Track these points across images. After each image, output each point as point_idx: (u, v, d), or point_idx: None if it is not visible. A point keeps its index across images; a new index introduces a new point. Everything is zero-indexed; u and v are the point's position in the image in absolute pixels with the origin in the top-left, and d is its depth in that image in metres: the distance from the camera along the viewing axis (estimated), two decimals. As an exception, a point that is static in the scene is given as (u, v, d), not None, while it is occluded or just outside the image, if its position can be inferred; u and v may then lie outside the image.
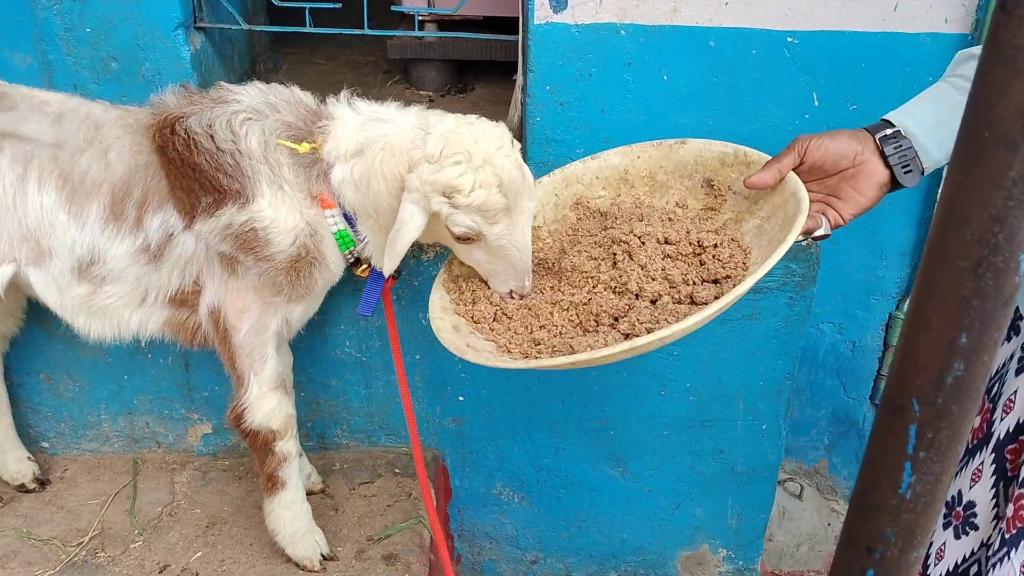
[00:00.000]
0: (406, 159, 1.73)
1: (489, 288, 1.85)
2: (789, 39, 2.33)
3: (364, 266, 1.98)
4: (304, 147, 1.80)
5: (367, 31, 2.74)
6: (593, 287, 1.75)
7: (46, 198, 1.86)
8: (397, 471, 2.55)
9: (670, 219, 1.84)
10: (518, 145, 1.80)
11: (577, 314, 1.72)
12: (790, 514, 3.01)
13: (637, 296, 1.69)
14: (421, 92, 3.32)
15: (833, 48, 2.34)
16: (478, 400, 2.54)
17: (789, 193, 1.67)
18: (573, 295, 1.75)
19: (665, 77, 2.39)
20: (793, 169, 1.70)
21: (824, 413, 2.98)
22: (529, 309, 1.78)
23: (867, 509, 1.03)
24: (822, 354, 2.86)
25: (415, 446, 1.96)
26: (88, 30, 2.55)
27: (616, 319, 1.68)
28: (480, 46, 3.12)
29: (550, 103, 2.42)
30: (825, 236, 1.67)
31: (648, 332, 1.58)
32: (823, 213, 1.67)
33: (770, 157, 1.76)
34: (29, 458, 2.49)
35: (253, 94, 1.86)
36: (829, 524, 3.04)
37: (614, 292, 1.72)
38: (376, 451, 2.62)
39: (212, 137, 1.80)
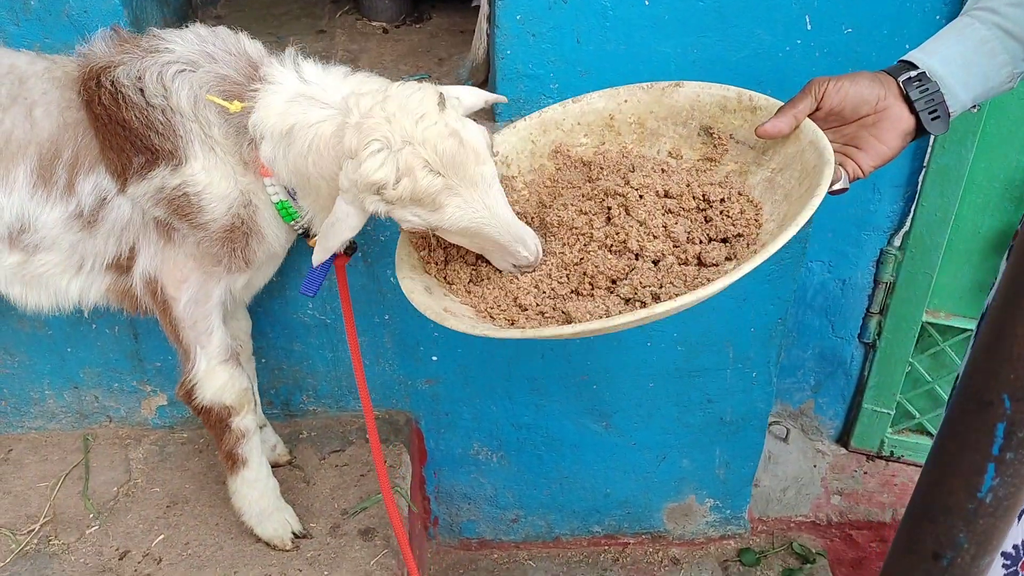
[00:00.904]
0: (335, 156, 1.50)
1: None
2: (780, -42, 2.14)
3: (315, 238, 1.73)
4: (236, 105, 1.56)
5: (313, -43, 2.48)
6: (585, 245, 1.55)
7: None
8: (368, 438, 2.39)
9: (663, 170, 1.66)
10: (454, 102, 1.51)
11: (568, 275, 1.53)
12: (776, 458, 2.93)
13: (637, 256, 1.51)
14: (374, 23, 3.06)
15: (827, -33, 2.16)
16: (452, 360, 2.38)
17: (807, 142, 1.50)
18: (563, 254, 1.56)
19: (647, 2, 2.19)
20: (809, 115, 1.53)
21: (811, 354, 2.88)
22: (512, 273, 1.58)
23: (936, 512, 0.90)
24: (811, 293, 2.74)
25: (368, 420, 1.83)
26: (0, -37, 2.27)
27: (614, 281, 1.50)
28: (438, -29, 2.86)
29: (521, 34, 2.21)
30: (843, 190, 1.51)
31: (653, 297, 1.42)
32: (841, 164, 1.51)
33: (779, 102, 1.58)
34: (-33, 440, 2.29)
35: (190, 41, 1.61)
36: (815, 466, 2.97)
37: (610, 251, 1.53)
38: (345, 416, 2.45)
39: (142, 91, 1.56)
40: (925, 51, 1.51)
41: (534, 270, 1.55)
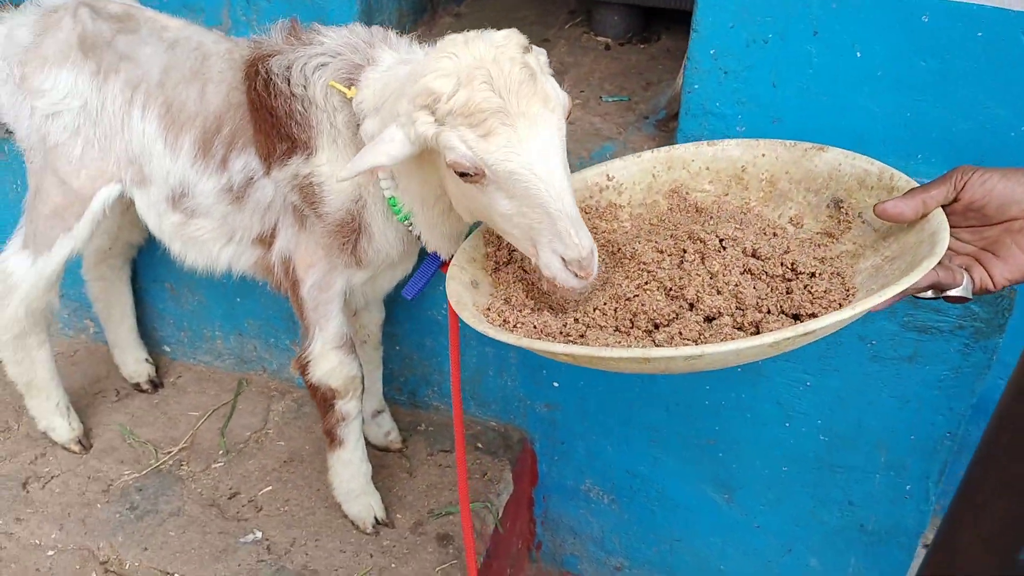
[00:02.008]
0: (402, 96, 1.43)
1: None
2: (1027, 24, 1.83)
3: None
4: (352, 91, 1.58)
5: (539, -32, 2.50)
6: (646, 283, 1.44)
7: (148, 126, 1.84)
8: (479, 446, 2.40)
9: (775, 234, 1.51)
10: (540, 53, 1.40)
11: (615, 309, 1.42)
12: (935, 585, 2.55)
13: (691, 307, 1.38)
14: (599, 38, 3.04)
15: (1087, 38, 1.82)
16: (573, 390, 2.32)
17: (927, 234, 1.30)
18: (619, 286, 1.45)
19: (859, 53, 1.98)
20: (944, 206, 1.31)
21: (1001, 480, 2.47)
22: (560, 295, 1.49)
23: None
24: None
25: (458, 437, 1.83)
26: (258, -55, 2.51)
27: (656, 326, 1.38)
28: (669, -8, 2.77)
29: (712, 69, 2.08)
30: (963, 299, 1.28)
31: None
32: (967, 269, 1.28)
33: (917, 185, 1.38)
34: (147, 360, 2.59)
35: (339, 35, 1.67)
36: (984, 607, 2.55)
37: (666, 294, 1.41)
38: (463, 420, 2.47)
39: (288, 81, 1.65)
40: None
41: (582, 297, 1.44)
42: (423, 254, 1.89)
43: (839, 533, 2.32)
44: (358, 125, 1.60)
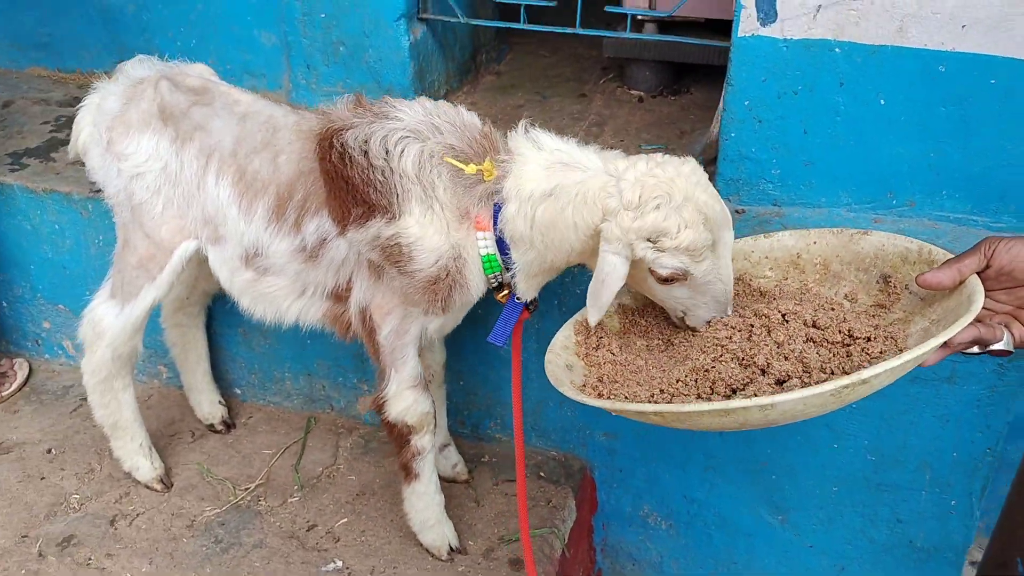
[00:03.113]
0: (600, 208, 1.68)
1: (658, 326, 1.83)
2: (1040, 69, 2.01)
3: (506, 291, 1.94)
4: (471, 168, 1.79)
5: (579, 30, 2.71)
6: (720, 355, 1.63)
7: (222, 191, 2.01)
8: (542, 475, 2.53)
9: (832, 308, 1.70)
10: (710, 185, 1.73)
11: (696, 379, 1.61)
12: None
13: (763, 372, 1.55)
14: (632, 91, 3.24)
15: (1097, 80, 1.99)
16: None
17: (965, 297, 1.50)
18: (697, 359, 1.65)
19: (882, 102, 2.16)
20: (979, 272, 1.50)
21: (1039, 498, 2.58)
22: (654, 366, 1.72)
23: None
24: (1043, 433, 2.48)
25: (519, 467, 2.03)
26: (323, 15, 2.73)
27: (733, 391, 1.55)
28: (697, 49, 2.97)
29: (747, 119, 2.27)
30: (1006, 352, 1.46)
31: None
32: (1007, 326, 1.45)
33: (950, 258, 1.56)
34: (220, 402, 2.74)
35: (416, 112, 1.86)
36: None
37: (739, 363, 1.59)
38: (527, 450, 2.61)
39: (366, 153, 1.82)
40: None
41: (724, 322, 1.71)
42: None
43: (889, 551, 2.43)
44: (480, 197, 1.81)
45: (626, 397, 1.60)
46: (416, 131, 1.83)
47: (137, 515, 2.43)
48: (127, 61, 2.17)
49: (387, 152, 1.82)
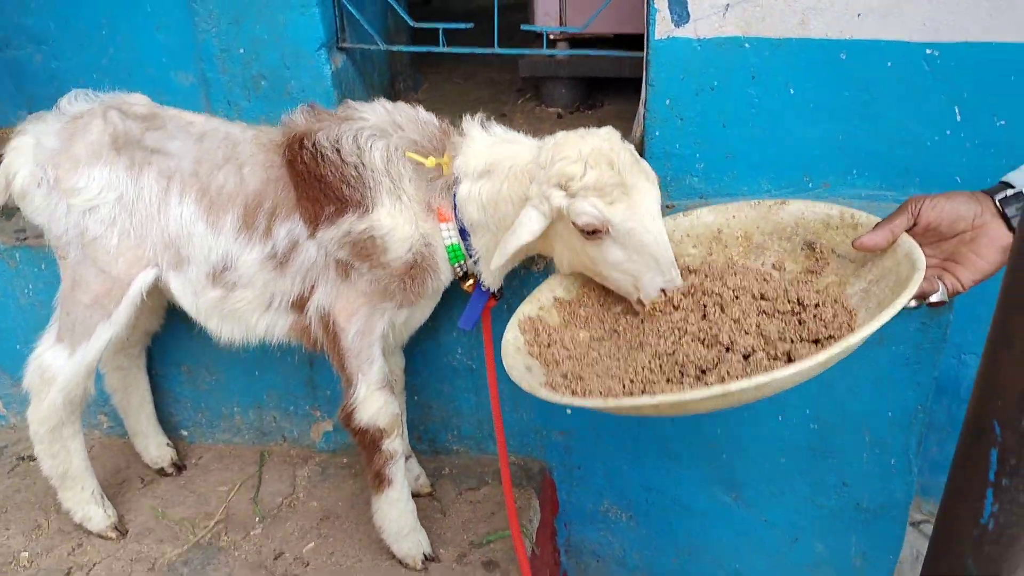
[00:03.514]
0: (528, 178, 1.81)
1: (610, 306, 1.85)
2: (928, 51, 2.21)
3: (471, 281, 2.04)
4: (431, 161, 1.90)
5: (498, 50, 2.81)
6: (679, 338, 1.68)
7: (186, 210, 2.02)
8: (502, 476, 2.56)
9: (765, 280, 1.79)
10: (630, 145, 1.82)
11: (661, 365, 1.66)
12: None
13: (728, 349, 1.62)
14: (551, 109, 3.36)
15: (978, 60, 2.20)
16: (585, 414, 2.52)
17: (902, 255, 1.61)
18: (658, 344, 1.69)
19: (792, 91, 2.32)
20: (907, 231, 1.63)
21: (966, 452, 2.76)
22: (609, 356, 1.75)
23: (948, 540, 0.96)
24: (964, 388, 2.66)
25: (503, 463, 2.05)
26: (241, 50, 2.75)
27: (703, 371, 1.61)
28: (610, 63, 3.13)
29: (670, 117, 2.40)
30: (941, 303, 1.60)
31: None
32: (940, 278, 1.59)
33: (879, 219, 1.70)
34: (168, 444, 2.68)
35: (379, 112, 1.97)
36: (969, 573, 2.80)
37: (702, 343, 1.65)
38: (485, 458, 2.65)
39: (338, 151, 1.91)
40: (1021, 172, 1.57)
41: (673, 304, 1.74)
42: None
43: (838, 515, 2.55)
44: (440, 188, 1.91)
45: (600, 392, 1.62)
46: (381, 129, 1.94)
47: (94, 565, 2.35)
48: (62, 97, 2.14)
49: (359, 148, 1.91)
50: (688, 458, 2.56)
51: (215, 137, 2.06)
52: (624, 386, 1.64)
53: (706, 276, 1.85)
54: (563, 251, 1.87)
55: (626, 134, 2.87)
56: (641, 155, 2.56)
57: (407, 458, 2.49)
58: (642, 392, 1.62)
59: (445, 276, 2.04)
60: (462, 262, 1.98)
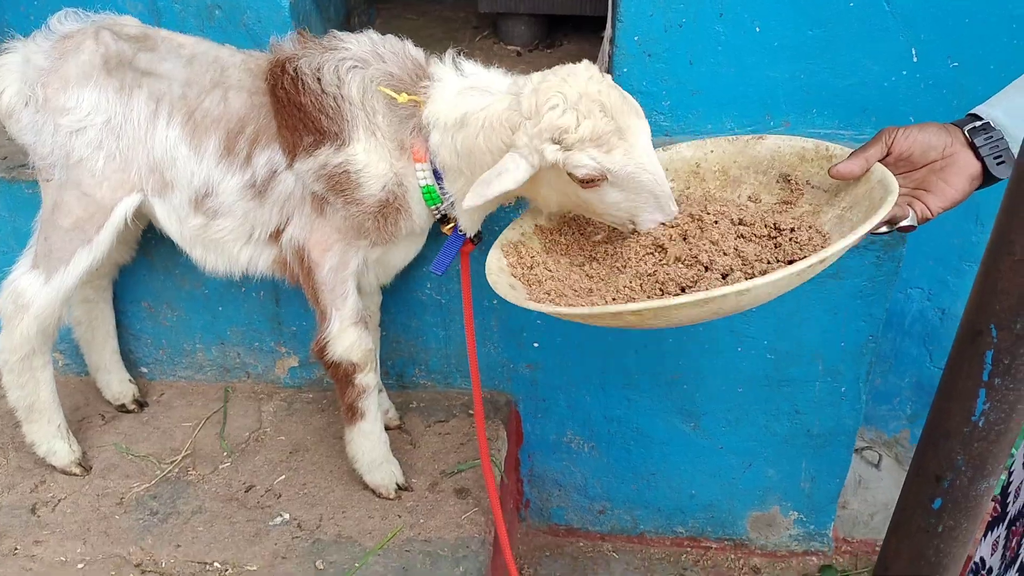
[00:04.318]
0: (507, 128, 1.73)
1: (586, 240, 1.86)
2: (889, -9, 2.27)
3: (451, 224, 2.01)
4: (403, 97, 1.85)
5: (459, -18, 2.77)
6: (660, 259, 1.73)
7: (171, 132, 1.98)
8: (471, 412, 2.61)
9: (742, 209, 1.84)
10: (609, 78, 1.78)
11: (642, 284, 1.71)
12: (866, 483, 2.96)
13: (707, 268, 1.68)
14: (509, 47, 3.34)
15: (935, 2, 2.26)
16: (552, 347, 2.58)
17: (875, 181, 1.67)
18: (639, 265, 1.74)
19: (758, 29, 2.35)
20: (880, 160, 1.69)
21: (908, 382, 2.91)
22: (589, 278, 1.80)
23: (938, 437, 1.03)
24: (909, 320, 2.79)
25: (476, 397, 2.07)
26: (195, -23, 2.66)
27: (683, 289, 1.66)
28: (570, 0, 3.11)
29: (638, 54, 2.41)
30: (911, 228, 1.66)
31: None
32: (910, 205, 1.66)
33: (852, 150, 1.75)
34: (130, 380, 2.65)
35: (363, 43, 1.91)
36: (906, 496, 2.98)
37: (683, 263, 1.71)
38: (452, 392, 2.68)
39: (319, 80, 1.87)
40: (991, 104, 1.66)
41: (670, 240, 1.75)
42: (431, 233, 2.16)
43: (789, 442, 2.68)
44: (414, 127, 1.86)
45: (584, 305, 1.67)
46: (362, 59, 1.88)
47: (59, 500, 2.32)
48: (53, 15, 2.05)
49: (339, 79, 1.86)
50: (649, 388, 2.64)
51: (204, 60, 2.01)
52: (607, 302, 1.69)
53: (684, 205, 1.90)
54: (551, 195, 1.83)
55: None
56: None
57: (379, 391, 2.51)
58: (626, 301, 1.67)
59: (420, 217, 2.00)
60: (439, 204, 1.95)
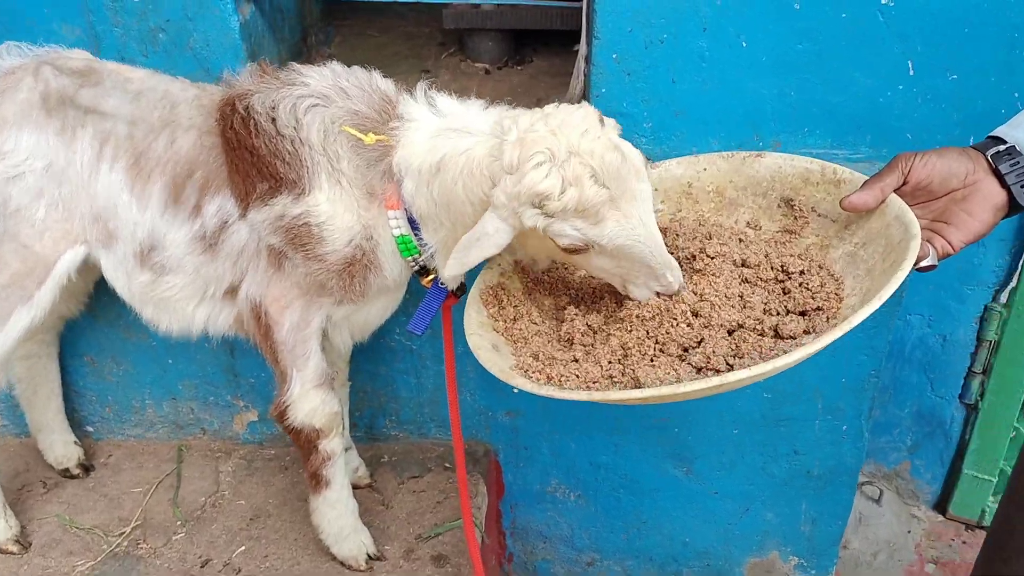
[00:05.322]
0: (488, 176, 1.51)
1: (562, 310, 1.67)
2: (883, 1, 2.11)
3: (431, 276, 1.78)
4: (370, 138, 1.62)
5: (421, -1, 2.59)
6: (660, 320, 1.53)
7: (114, 177, 1.77)
8: (447, 465, 2.42)
9: (740, 240, 1.66)
10: (612, 123, 1.55)
11: (639, 345, 1.51)
12: (867, 520, 2.81)
13: (709, 324, 1.50)
14: (477, 64, 3.15)
15: (931, 12, 2.12)
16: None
17: (892, 217, 1.50)
18: (632, 321, 1.55)
19: (744, 44, 2.20)
20: (895, 190, 1.53)
21: (908, 412, 2.76)
22: (581, 333, 1.60)
23: (1006, 547, 0.86)
24: (908, 348, 2.64)
25: (458, 458, 1.87)
26: (136, 0, 2.45)
27: (686, 349, 1.49)
28: (538, 14, 2.95)
29: (617, 72, 2.24)
30: (931, 267, 1.50)
31: (728, 366, 1.41)
32: (929, 241, 1.50)
33: (864, 176, 1.59)
34: (76, 442, 2.43)
35: (325, 76, 1.68)
36: (909, 531, 2.83)
37: (683, 322, 1.52)
38: (426, 443, 2.49)
39: (273, 120, 1.64)
40: (1012, 125, 1.52)
41: (672, 297, 1.54)
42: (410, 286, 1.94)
43: (788, 483, 2.51)
44: (383, 172, 1.63)
45: (578, 377, 1.47)
46: (324, 96, 1.65)
47: (-8, 585, 2.10)
48: None
49: (296, 120, 1.63)
50: (637, 433, 2.46)
51: (153, 96, 1.78)
52: (602, 367, 1.50)
53: (677, 235, 1.71)
54: (536, 251, 1.63)
55: (561, 91, 2.74)
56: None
57: (345, 451, 2.31)
58: (621, 374, 1.48)
59: (393, 272, 1.77)
60: (416, 255, 1.72)
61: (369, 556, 2.11)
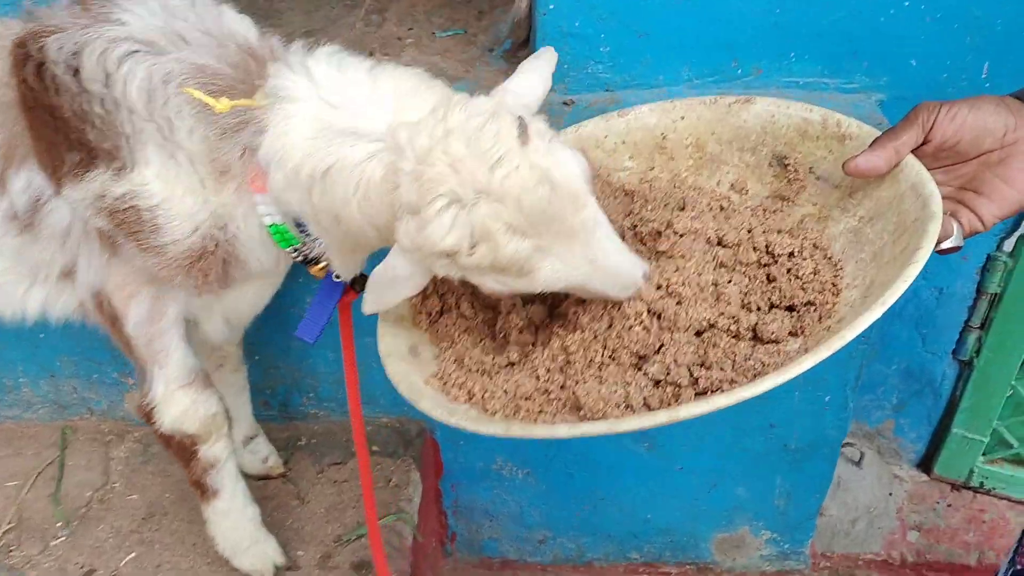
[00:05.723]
0: (388, 204, 1.15)
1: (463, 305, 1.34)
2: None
3: (321, 265, 1.40)
4: (223, 104, 1.21)
5: None
6: (611, 321, 1.21)
7: None
8: (375, 448, 2.12)
9: (722, 208, 1.34)
10: (538, 128, 1.13)
11: (585, 350, 1.20)
12: (846, 484, 2.57)
13: (672, 325, 1.18)
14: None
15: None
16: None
17: (908, 186, 1.18)
18: (588, 327, 1.22)
19: (721, -50, 1.81)
20: (914, 150, 1.20)
21: (895, 368, 2.49)
22: (519, 329, 1.28)
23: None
24: (900, 302, 2.34)
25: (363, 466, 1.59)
26: None
27: (642, 357, 1.17)
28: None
29: (567, -15, 1.85)
30: (955, 249, 1.20)
31: (690, 380, 1.12)
32: (954, 214, 1.20)
33: (875, 131, 1.26)
34: (-64, 429, 2.09)
35: (153, 13, 1.26)
36: (891, 494, 2.60)
37: (638, 323, 1.20)
38: (348, 423, 2.15)
39: (76, 72, 1.23)
40: None
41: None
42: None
43: (762, 458, 2.26)
44: (243, 148, 1.24)
45: (506, 392, 1.18)
46: (149, 41, 1.23)
47: None
48: None
49: (106, 73, 1.22)
50: (594, 407, 2.17)
51: None
52: (539, 379, 1.19)
53: (646, 201, 1.39)
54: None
55: (506, 5, 2.32)
56: (530, 34, 2.04)
57: (251, 439, 2.00)
58: (560, 388, 1.18)
59: (263, 264, 1.41)
60: (298, 245, 1.35)
61: (276, 567, 1.81)
